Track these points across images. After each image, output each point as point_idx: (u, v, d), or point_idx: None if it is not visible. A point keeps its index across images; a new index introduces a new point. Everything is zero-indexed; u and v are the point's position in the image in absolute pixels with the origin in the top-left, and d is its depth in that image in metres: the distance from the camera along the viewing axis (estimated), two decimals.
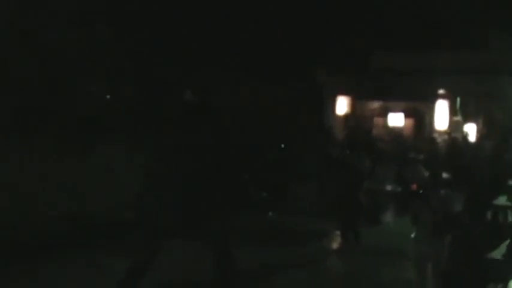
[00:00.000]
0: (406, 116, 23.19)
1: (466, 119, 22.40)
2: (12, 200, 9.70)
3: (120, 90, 14.12)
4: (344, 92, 23.24)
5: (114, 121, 12.81)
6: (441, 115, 22.42)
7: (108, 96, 14.06)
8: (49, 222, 9.90)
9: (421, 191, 12.70)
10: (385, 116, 23.45)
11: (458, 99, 22.48)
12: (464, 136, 21.54)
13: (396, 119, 23.15)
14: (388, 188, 15.44)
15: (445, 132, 21.79)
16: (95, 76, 13.27)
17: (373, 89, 22.78)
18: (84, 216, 10.41)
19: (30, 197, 10.00)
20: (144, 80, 14.59)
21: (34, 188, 10.18)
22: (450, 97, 22.43)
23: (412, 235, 8.32)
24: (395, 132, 22.13)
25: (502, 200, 12.05)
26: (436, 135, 21.50)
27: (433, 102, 22.52)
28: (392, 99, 23.09)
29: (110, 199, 10.76)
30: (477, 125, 22.24)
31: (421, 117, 23.30)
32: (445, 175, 15.97)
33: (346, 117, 22.64)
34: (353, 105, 23.45)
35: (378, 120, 23.68)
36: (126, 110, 13.52)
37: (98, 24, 13.29)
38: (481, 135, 21.87)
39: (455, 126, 22.28)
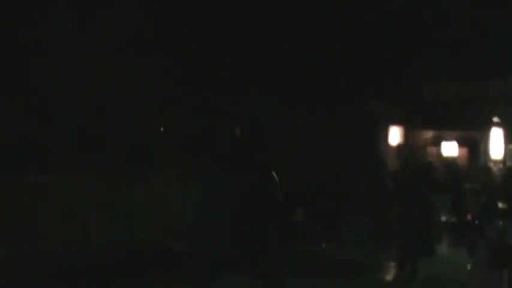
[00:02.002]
0: (459, 145, 22.96)
1: None
2: (69, 229, 9.93)
3: (174, 121, 14.36)
4: (397, 122, 23.16)
5: (167, 151, 13.00)
6: (496, 143, 22.13)
7: (162, 128, 14.31)
8: (102, 252, 10.08)
9: (477, 222, 12.63)
10: (438, 145, 23.26)
11: None
12: None
13: (450, 148, 22.93)
14: (444, 218, 15.31)
15: (500, 161, 21.49)
16: (149, 106, 13.52)
17: (426, 118, 22.67)
18: (136, 246, 10.57)
19: (84, 227, 10.23)
20: (197, 110, 14.81)
21: (88, 218, 10.40)
22: (504, 125, 22.14)
23: (468, 266, 8.29)
24: (450, 161, 21.91)
25: None
26: (491, 164, 21.22)
27: (487, 131, 22.25)
28: (445, 128, 22.92)
29: (162, 229, 10.92)
30: None
31: (476, 146, 23.02)
32: (501, 205, 15.85)
33: (399, 147, 22.52)
34: (406, 135, 23.33)
35: (431, 150, 23.50)
36: (178, 141, 13.75)
37: (152, 54, 13.59)
38: None
39: (510, 155, 21.95)
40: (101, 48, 12.56)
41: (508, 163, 20.95)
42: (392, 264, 11.88)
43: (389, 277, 11.77)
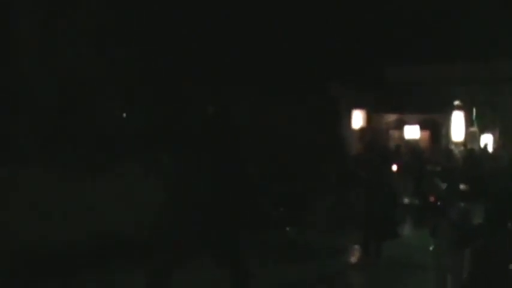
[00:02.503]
0: (422, 128, 23.16)
1: (483, 130, 22.33)
2: (35, 219, 9.79)
3: (139, 108, 14.21)
4: (359, 106, 23.26)
5: (133, 139, 12.87)
6: (457, 126, 22.37)
7: (125, 115, 14.14)
8: (68, 242, 9.96)
9: (439, 204, 12.71)
10: (401, 128, 23.43)
11: (474, 110, 22.41)
12: (481, 147, 21.48)
13: (412, 132, 23.12)
14: (406, 200, 15.43)
15: (461, 144, 21.73)
16: (114, 94, 13.36)
17: (388, 102, 22.81)
18: (103, 236, 10.46)
19: (49, 217, 10.08)
20: (164, 96, 14.67)
21: (53, 208, 10.26)
22: (466, 108, 22.38)
23: (431, 248, 8.33)
24: (412, 144, 22.08)
25: None
26: (452, 146, 21.45)
27: (448, 114, 22.48)
28: (407, 111, 23.08)
29: (129, 218, 10.81)
30: (494, 135, 22.16)
31: (437, 129, 23.25)
32: (463, 187, 15.98)
33: (362, 130, 22.63)
34: (368, 119, 23.45)
35: (394, 133, 23.67)
36: (145, 128, 13.61)
37: (116, 43, 13.42)
38: (498, 145, 21.79)
39: (471, 137, 22.21)
40: (65, 40, 12.37)
41: (469, 145, 21.18)
42: (356, 247, 11.93)
43: (353, 260, 11.82)
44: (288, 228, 13.76)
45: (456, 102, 22.38)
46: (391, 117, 23.82)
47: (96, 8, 12.94)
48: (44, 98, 11.87)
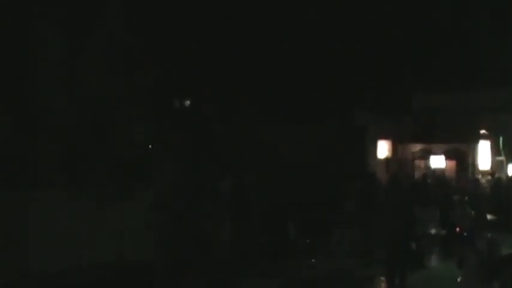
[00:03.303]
0: (448, 158, 23.00)
1: (510, 158, 22.12)
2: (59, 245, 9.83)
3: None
4: (385, 135, 23.19)
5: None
6: (483, 155, 22.18)
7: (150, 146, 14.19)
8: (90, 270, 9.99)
9: (466, 234, 12.60)
10: (426, 158, 23.29)
11: (500, 139, 22.23)
12: (509, 176, 21.27)
13: (438, 161, 22.96)
14: (433, 231, 15.28)
15: (488, 173, 21.53)
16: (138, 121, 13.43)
17: (414, 132, 22.74)
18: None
19: (75, 244, 10.12)
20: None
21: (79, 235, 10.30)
22: (492, 137, 22.21)
23: (459, 279, 8.25)
24: (438, 174, 21.93)
25: None
26: (479, 176, 21.26)
27: (475, 143, 22.32)
28: (433, 141, 22.97)
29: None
30: None
31: (464, 158, 23.07)
32: (490, 216, 15.84)
33: (388, 160, 22.54)
34: (394, 148, 23.35)
35: (419, 163, 23.53)
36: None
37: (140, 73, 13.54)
38: None
39: (498, 166, 22.00)
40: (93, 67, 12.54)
41: (496, 175, 20.99)
42: (382, 278, 11.83)
43: None
44: (313, 260, 13.70)
45: (482, 131, 22.22)
46: (417, 147, 23.70)
47: (119, 34, 13.10)
48: (71, 124, 11.97)
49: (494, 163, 22.10)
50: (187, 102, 15.17)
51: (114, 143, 12.43)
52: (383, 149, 23.14)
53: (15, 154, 10.98)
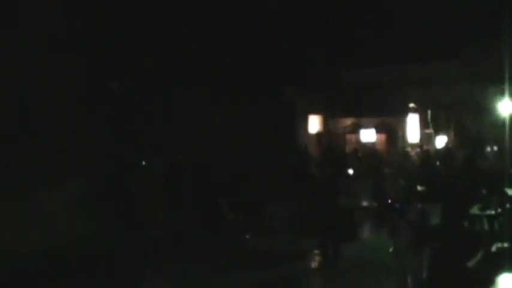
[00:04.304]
0: (378, 131, 23.34)
1: (438, 131, 22.60)
2: None
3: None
4: (315, 110, 23.35)
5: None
6: (412, 128, 22.60)
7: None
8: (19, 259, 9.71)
9: (397, 205, 12.80)
10: (357, 132, 23.58)
11: (429, 112, 22.67)
12: (437, 148, 21.74)
13: (368, 135, 23.28)
14: (365, 203, 15.49)
15: (417, 145, 21.95)
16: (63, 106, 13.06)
17: (344, 106, 22.94)
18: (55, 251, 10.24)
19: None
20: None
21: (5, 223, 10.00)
22: (421, 110, 22.62)
23: (391, 249, 8.36)
24: (368, 147, 22.24)
25: (476, 209, 12.17)
26: (408, 148, 21.66)
27: (404, 116, 22.69)
28: (363, 115, 23.23)
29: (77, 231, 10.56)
30: (449, 136, 22.44)
31: (393, 132, 23.46)
32: (420, 188, 16.13)
33: (319, 135, 22.72)
34: (325, 123, 23.55)
35: (350, 137, 23.81)
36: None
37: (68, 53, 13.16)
38: (453, 145, 22.07)
39: (427, 139, 22.46)
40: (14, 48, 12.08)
41: (424, 147, 21.41)
42: (316, 251, 11.93)
43: (313, 263, 11.81)
44: (248, 236, 13.71)
45: (411, 105, 22.61)
46: (348, 121, 23.96)
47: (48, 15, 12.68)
48: None
49: (423, 136, 22.56)
50: (118, 84, 14.81)
51: (42, 128, 12.09)
52: (314, 123, 23.32)
53: None
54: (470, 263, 6.05)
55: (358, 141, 23.26)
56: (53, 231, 10.34)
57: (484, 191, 13.11)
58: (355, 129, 23.78)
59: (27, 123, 11.85)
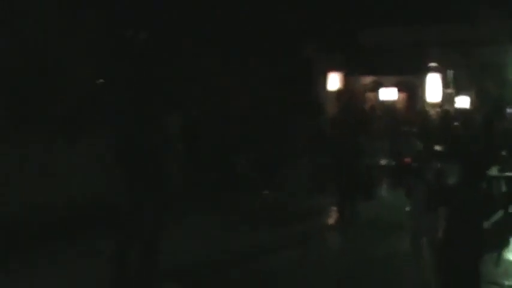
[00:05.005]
0: (398, 90, 23.18)
1: (458, 91, 22.42)
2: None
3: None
4: (335, 68, 23.19)
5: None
6: (433, 88, 22.41)
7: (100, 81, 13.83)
8: (37, 213, 9.82)
9: (414, 164, 12.79)
10: (377, 90, 23.43)
11: (450, 72, 22.46)
12: (457, 108, 21.60)
13: (388, 93, 23.13)
14: (383, 162, 15.48)
15: (437, 105, 21.81)
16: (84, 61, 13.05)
17: (364, 64, 22.74)
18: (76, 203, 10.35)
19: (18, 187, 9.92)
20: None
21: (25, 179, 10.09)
22: (442, 70, 22.41)
23: (407, 208, 8.36)
24: (388, 106, 22.13)
25: (495, 171, 12.13)
26: (428, 108, 21.53)
27: (425, 75, 22.49)
28: (383, 73, 23.06)
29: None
30: (469, 97, 22.26)
31: (414, 91, 23.28)
32: (438, 147, 16.09)
33: (338, 93, 22.60)
34: (345, 81, 23.40)
35: (370, 95, 23.66)
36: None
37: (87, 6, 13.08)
38: (473, 106, 21.91)
39: (447, 99, 22.29)
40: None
41: (445, 107, 21.27)
42: (333, 208, 11.97)
43: (329, 221, 11.87)
44: (265, 192, 13.77)
45: (432, 64, 22.39)
46: (368, 79, 23.79)
47: None
48: (14, 64, 11.56)
49: (444, 96, 22.38)
50: (141, 35, 14.76)
51: (60, 81, 12.10)
52: (333, 81, 23.18)
53: None
54: (487, 224, 6.04)
55: (377, 99, 23.13)
56: (73, 186, 10.47)
57: (503, 153, 13.05)
58: (375, 87, 23.62)
59: (47, 80, 11.89)
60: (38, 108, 11.39)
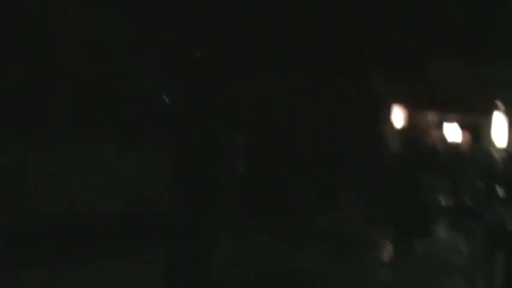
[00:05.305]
0: (462, 129, 22.88)
1: None
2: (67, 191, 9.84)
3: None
4: (400, 102, 23.05)
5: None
6: (499, 129, 22.03)
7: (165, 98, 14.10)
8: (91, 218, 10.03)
9: (476, 206, 12.61)
10: (441, 127, 23.17)
11: None
12: None
13: (452, 131, 22.85)
14: (443, 201, 15.29)
15: (503, 148, 21.43)
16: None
17: (430, 100, 22.55)
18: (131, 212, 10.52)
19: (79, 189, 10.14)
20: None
21: (88, 182, 10.30)
22: (508, 110, 22.03)
23: (465, 250, 8.28)
24: (451, 144, 21.85)
25: None
26: (493, 149, 21.16)
27: (491, 115, 22.15)
28: (448, 110, 22.81)
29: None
30: None
31: (478, 130, 22.94)
32: (501, 190, 15.78)
33: (402, 128, 22.43)
34: (409, 116, 23.21)
35: (433, 132, 23.41)
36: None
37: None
38: None
39: None
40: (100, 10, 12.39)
41: (510, 149, 20.88)
42: (388, 242, 11.90)
43: (385, 255, 11.79)
44: (322, 218, 13.78)
45: (499, 104, 22.04)
46: (432, 116, 23.56)
47: None
48: (81, 69, 11.89)
49: (510, 137, 21.97)
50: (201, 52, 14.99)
51: (126, 90, 12.37)
52: (398, 114, 23.03)
53: (25, 97, 10.91)
54: None
55: (441, 137, 22.88)
56: (130, 193, 10.67)
57: None
58: (439, 124, 23.37)
59: (113, 87, 12.19)
60: (104, 115, 11.69)
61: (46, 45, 11.40)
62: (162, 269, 6.79)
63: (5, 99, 10.40)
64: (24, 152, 9.50)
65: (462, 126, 22.92)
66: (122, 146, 11.07)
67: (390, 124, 22.62)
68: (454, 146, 21.55)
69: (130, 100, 12.40)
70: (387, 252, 11.75)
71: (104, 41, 12.18)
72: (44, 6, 11.55)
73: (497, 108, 21.96)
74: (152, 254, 8.13)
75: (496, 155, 20.08)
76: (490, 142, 21.94)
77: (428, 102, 22.73)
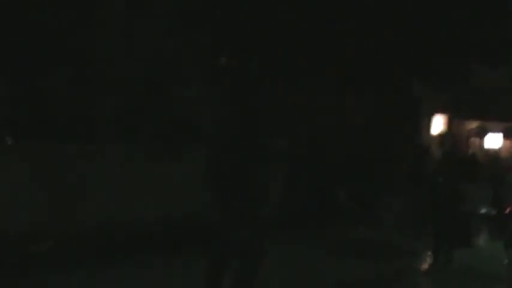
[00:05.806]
0: (504, 137, 22.67)
1: None
2: (114, 199, 9.99)
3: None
4: (441, 109, 22.92)
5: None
6: None
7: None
8: (142, 223, 10.17)
9: None
10: (482, 136, 22.99)
11: None
12: None
13: (494, 140, 22.65)
14: (483, 210, 15.21)
15: None
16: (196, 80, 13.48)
17: (472, 108, 22.40)
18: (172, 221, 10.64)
19: (128, 198, 10.30)
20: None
21: (132, 188, 10.45)
22: None
23: (506, 261, 8.27)
24: (492, 153, 21.66)
25: None
26: None
27: None
28: (490, 119, 22.62)
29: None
30: None
31: None
32: None
33: (442, 136, 22.32)
34: (449, 124, 23.08)
35: (474, 141, 23.24)
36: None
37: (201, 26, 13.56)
38: None
39: None
40: (148, 20, 12.60)
41: None
42: (428, 252, 11.88)
43: (424, 265, 11.77)
44: (362, 227, 13.82)
45: None
46: (473, 124, 23.38)
47: None
48: (129, 78, 12.09)
49: None
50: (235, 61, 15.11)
51: (168, 99, 12.53)
52: (438, 123, 22.91)
53: (73, 106, 11.11)
54: None
55: (481, 145, 22.70)
56: (171, 202, 10.81)
57: None
58: (481, 132, 23.18)
59: (156, 95, 12.38)
60: (145, 124, 11.86)
61: (95, 54, 11.68)
62: (203, 278, 6.88)
63: (54, 108, 10.68)
64: (72, 161, 9.67)
65: (505, 135, 22.72)
66: (162, 155, 11.19)
67: (430, 133, 22.52)
68: (496, 155, 21.35)
69: (174, 110, 12.58)
70: (428, 262, 11.73)
71: (153, 53, 12.39)
72: (92, 16, 11.82)
73: None
74: (194, 263, 8.34)
75: None
76: None
77: (470, 110, 22.60)
